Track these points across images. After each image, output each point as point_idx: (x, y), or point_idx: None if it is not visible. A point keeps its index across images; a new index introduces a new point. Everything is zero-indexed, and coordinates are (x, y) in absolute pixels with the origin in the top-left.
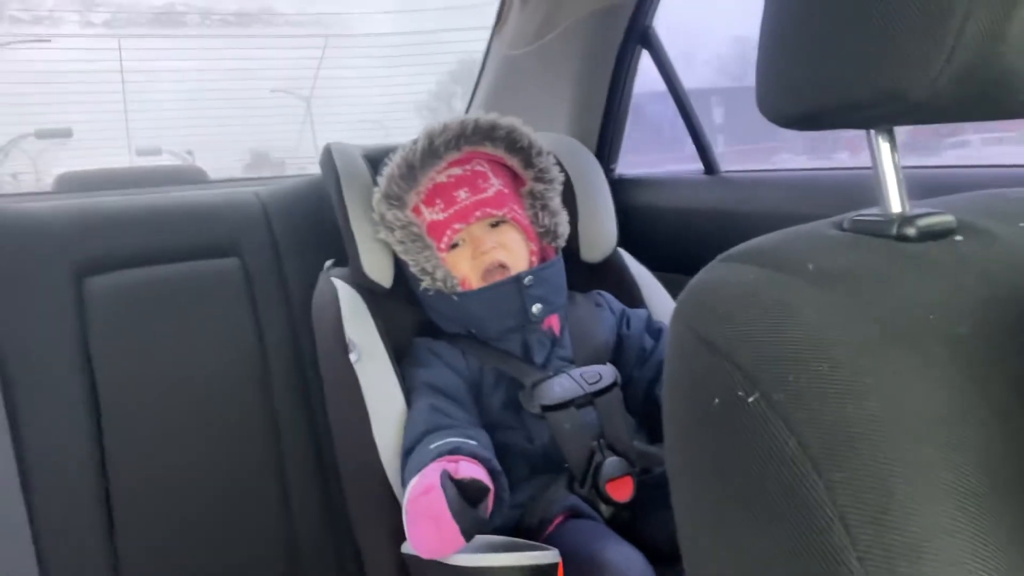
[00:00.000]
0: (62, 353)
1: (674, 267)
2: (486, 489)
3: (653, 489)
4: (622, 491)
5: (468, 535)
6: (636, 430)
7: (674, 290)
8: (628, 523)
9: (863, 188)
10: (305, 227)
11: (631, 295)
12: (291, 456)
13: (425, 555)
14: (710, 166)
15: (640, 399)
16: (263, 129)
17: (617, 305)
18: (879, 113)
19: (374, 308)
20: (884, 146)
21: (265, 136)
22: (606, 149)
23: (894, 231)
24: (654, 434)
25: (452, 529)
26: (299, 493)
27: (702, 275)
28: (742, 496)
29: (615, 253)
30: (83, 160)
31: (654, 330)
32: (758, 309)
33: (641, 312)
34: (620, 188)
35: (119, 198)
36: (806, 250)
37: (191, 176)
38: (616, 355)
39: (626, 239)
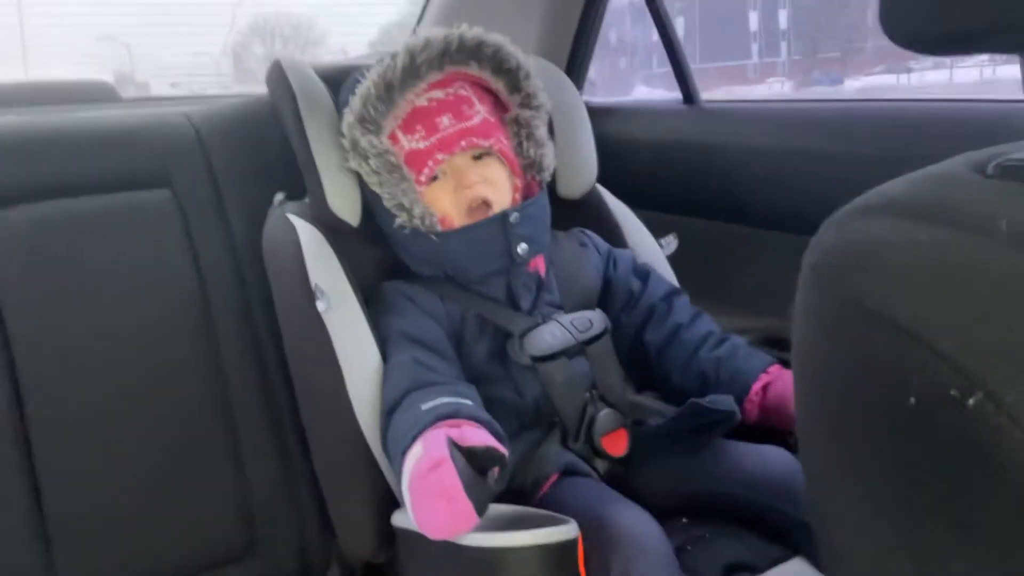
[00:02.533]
0: None
1: (647, 204)
2: (501, 457)
3: (645, 442)
4: (617, 445)
5: (481, 511)
6: (624, 379)
7: (650, 228)
8: (622, 478)
9: (856, 120)
10: (246, 155)
11: (611, 234)
12: (243, 415)
13: (435, 536)
14: (689, 95)
15: (627, 346)
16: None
17: (603, 245)
18: None
19: (338, 249)
20: None
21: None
22: (576, 72)
23: None
24: (641, 383)
25: (466, 506)
26: (253, 456)
27: (844, 231)
28: (952, 515)
29: (593, 189)
30: None
31: (641, 272)
32: (957, 280)
33: (626, 253)
34: (590, 117)
35: (18, 118)
36: (969, 201)
37: (100, 92)
38: (602, 299)
39: None
